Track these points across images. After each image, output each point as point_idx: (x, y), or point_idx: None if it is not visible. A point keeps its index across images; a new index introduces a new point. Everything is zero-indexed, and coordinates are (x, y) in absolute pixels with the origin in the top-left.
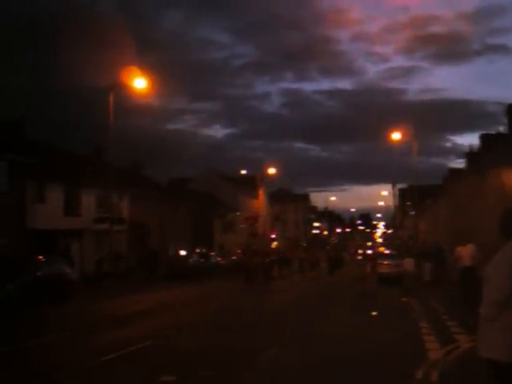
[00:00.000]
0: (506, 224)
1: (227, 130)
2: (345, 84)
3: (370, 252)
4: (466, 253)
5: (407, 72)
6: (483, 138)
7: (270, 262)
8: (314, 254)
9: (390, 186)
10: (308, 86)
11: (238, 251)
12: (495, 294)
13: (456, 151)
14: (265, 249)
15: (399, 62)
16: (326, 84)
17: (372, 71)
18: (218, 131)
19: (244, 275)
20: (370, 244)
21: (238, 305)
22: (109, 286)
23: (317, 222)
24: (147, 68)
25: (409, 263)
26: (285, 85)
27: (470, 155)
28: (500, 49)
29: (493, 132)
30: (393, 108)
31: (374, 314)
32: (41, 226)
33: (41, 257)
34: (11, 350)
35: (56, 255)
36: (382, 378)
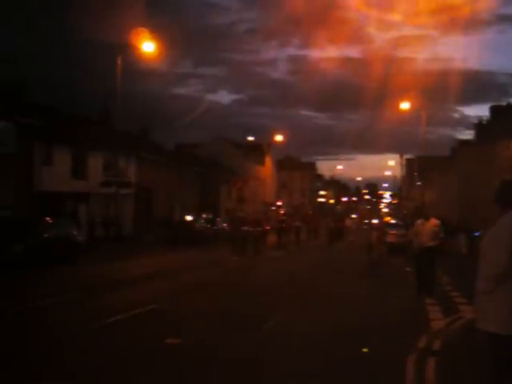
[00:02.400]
0: (504, 195)
1: (234, 96)
2: (353, 52)
3: (375, 221)
4: (427, 229)
5: (416, 40)
6: (493, 109)
7: (261, 232)
8: (313, 222)
9: (397, 156)
10: (315, 53)
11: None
12: (492, 267)
13: (464, 122)
14: (256, 216)
15: (408, 30)
16: (333, 51)
17: (380, 39)
18: (225, 97)
19: (231, 246)
20: (375, 213)
21: (237, 273)
22: (113, 249)
23: (323, 190)
24: (153, 31)
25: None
26: (292, 51)
27: (480, 126)
28: (511, 19)
29: (503, 103)
30: (401, 77)
31: (378, 283)
32: (48, 188)
33: (48, 219)
34: (16, 311)
35: (63, 217)
36: (384, 346)
